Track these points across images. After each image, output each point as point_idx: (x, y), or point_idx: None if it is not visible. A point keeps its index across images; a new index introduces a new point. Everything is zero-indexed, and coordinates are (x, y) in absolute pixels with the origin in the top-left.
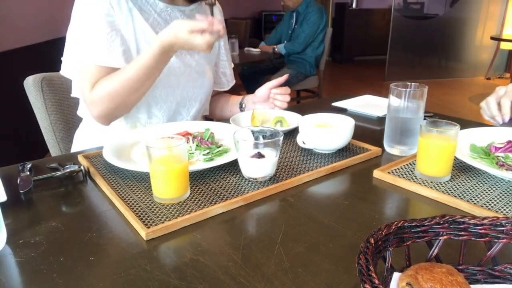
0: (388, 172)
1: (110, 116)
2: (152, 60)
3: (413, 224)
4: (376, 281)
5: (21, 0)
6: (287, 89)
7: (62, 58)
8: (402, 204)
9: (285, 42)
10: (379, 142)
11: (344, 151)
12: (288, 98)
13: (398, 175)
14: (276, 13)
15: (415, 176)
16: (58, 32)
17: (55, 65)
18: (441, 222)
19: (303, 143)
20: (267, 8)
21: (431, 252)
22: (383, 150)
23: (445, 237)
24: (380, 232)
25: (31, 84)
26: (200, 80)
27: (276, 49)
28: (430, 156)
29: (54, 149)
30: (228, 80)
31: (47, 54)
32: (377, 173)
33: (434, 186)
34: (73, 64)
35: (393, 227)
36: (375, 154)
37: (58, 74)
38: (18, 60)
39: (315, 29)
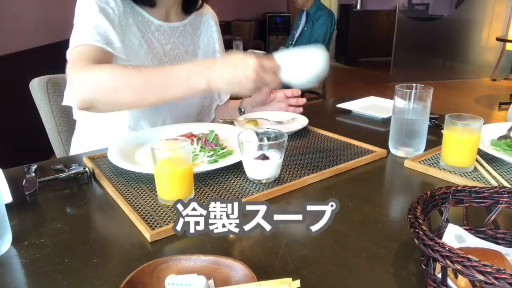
0: (419, 162)
1: (91, 99)
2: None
3: (473, 190)
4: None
5: (27, 2)
6: (297, 92)
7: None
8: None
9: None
10: (384, 144)
11: (349, 153)
12: (303, 101)
13: (429, 165)
14: (281, 15)
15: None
16: (64, 34)
17: (61, 67)
18: (501, 191)
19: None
20: (272, 10)
21: (488, 217)
22: (388, 151)
23: (504, 205)
24: (439, 189)
25: (37, 86)
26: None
27: None
28: (455, 148)
29: (59, 151)
30: (227, 92)
31: (52, 56)
32: (408, 163)
33: (460, 174)
34: None
35: (453, 188)
36: (380, 155)
37: (63, 76)
38: (23, 62)
39: (326, 30)
